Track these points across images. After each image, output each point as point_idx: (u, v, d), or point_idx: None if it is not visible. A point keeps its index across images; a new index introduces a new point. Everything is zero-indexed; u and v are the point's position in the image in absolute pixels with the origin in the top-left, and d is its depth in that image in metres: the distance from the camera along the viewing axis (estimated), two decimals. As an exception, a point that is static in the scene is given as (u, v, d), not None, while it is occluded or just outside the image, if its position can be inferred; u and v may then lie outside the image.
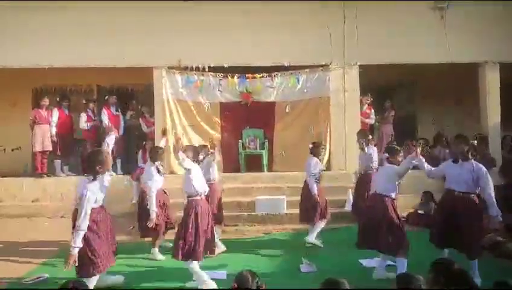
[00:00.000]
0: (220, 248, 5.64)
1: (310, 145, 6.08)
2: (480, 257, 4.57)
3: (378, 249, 4.69)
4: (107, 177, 4.25)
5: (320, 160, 6.10)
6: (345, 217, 6.72)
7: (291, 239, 6.38)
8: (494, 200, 4.49)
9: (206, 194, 4.72)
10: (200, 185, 4.59)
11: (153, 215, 5.32)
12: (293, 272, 4.92)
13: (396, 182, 4.70)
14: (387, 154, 4.85)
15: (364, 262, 5.14)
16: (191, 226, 4.42)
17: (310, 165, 5.87)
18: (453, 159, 4.75)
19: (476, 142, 4.72)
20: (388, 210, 4.56)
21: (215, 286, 4.44)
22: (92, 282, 4.01)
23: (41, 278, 4.75)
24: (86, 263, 3.99)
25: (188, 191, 4.58)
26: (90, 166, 4.10)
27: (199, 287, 4.44)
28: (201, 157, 5.71)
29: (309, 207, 5.88)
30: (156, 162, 5.57)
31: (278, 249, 5.86)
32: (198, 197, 4.54)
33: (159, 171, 5.55)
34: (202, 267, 5.01)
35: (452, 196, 4.65)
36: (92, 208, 4.03)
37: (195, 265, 4.47)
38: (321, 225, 5.90)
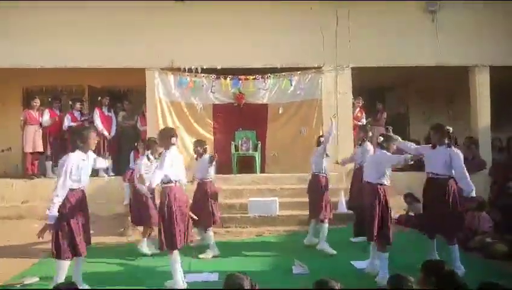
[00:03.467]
0: (214, 251, 5.62)
1: (321, 138, 6.05)
2: (455, 241, 4.69)
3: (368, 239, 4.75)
4: (92, 156, 4.32)
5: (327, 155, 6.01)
6: (337, 218, 6.72)
7: (283, 241, 6.38)
8: (467, 175, 4.61)
9: (182, 183, 4.59)
10: (175, 173, 4.44)
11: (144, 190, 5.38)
12: (286, 273, 4.91)
13: (387, 170, 4.65)
14: (382, 139, 4.79)
15: (357, 264, 5.15)
16: (166, 214, 4.36)
17: (316, 151, 5.92)
18: (431, 146, 4.88)
19: (451, 129, 4.85)
20: (376, 198, 4.58)
21: (183, 287, 4.39)
22: (65, 266, 4.09)
23: (30, 281, 4.68)
24: (66, 245, 4.06)
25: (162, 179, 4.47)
26: (72, 139, 4.21)
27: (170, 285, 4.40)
28: (200, 150, 5.80)
29: (316, 202, 5.85)
30: (147, 153, 5.64)
31: (271, 251, 5.85)
32: (172, 184, 4.43)
33: (149, 161, 5.55)
34: (194, 269, 5.03)
35: (429, 180, 4.85)
36: (74, 190, 4.10)
37: (175, 257, 4.39)
38: (326, 227, 5.78)
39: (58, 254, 4.09)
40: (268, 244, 6.19)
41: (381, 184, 4.63)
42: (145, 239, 5.71)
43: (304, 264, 5.01)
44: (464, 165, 4.68)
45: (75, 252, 4.13)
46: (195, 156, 6.00)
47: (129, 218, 6.15)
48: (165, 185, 4.45)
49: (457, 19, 8.39)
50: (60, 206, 4.07)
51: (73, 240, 4.10)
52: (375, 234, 4.54)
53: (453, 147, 4.78)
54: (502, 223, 6.12)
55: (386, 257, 4.53)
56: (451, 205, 4.69)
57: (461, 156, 4.72)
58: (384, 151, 4.70)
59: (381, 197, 4.59)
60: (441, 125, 4.96)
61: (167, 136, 4.52)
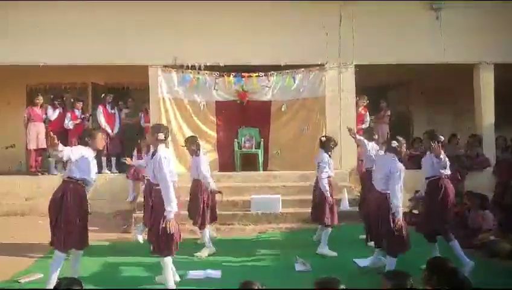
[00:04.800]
0: (210, 249, 5.58)
1: (323, 138, 5.75)
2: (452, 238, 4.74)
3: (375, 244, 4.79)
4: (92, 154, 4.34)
5: (330, 156, 5.66)
6: (340, 216, 6.69)
7: (286, 238, 6.38)
8: (445, 159, 4.80)
9: (175, 182, 4.42)
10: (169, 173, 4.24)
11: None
12: (288, 271, 4.92)
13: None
14: (395, 143, 4.64)
15: (359, 262, 5.14)
16: (161, 218, 4.14)
17: (322, 160, 5.53)
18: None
19: (442, 138, 5.04)
20: (383, 207, 4.51)
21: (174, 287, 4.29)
22: (59, 258, 4.13)
23: (34, 278, 4.71)
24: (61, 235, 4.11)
25: (152, 180, 4.35)
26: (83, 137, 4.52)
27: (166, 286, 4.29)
28: (194, 148, 5.68)
29: (320, 206, 5.62)
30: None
31: (273, 248, 5.85)
32: None
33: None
34: (198, 266, 5.04)
35: (425, 184, 5.01)
36: (76, 182, 4.19)
37: (168, 261, 4.25)
38: (329, 231, 5.59)
39: (53, 243, 4.19)
40: (271, 242, 6.19)
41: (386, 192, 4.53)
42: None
43: (307, 261, 5.02)
44: (437, 158, 4.78)
45: (66, 245, 4.16)
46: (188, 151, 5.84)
47: (133, 215, 6.04)
48: (159, 187, 4.21)
49: (462, 16, 8.33)
50: (59, 197, 4.17)
51: (67, 233, 4.13)
52: (382, 240, 4.56)
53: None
54: (506, 221, 6.09)
55: (394, 261, 4.49)
56: (441, 201, 4.79)
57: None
58: (397, 161, 4.52)
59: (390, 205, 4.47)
60: (430, 133, 5.14)
61: (157, 132, 4.31)
